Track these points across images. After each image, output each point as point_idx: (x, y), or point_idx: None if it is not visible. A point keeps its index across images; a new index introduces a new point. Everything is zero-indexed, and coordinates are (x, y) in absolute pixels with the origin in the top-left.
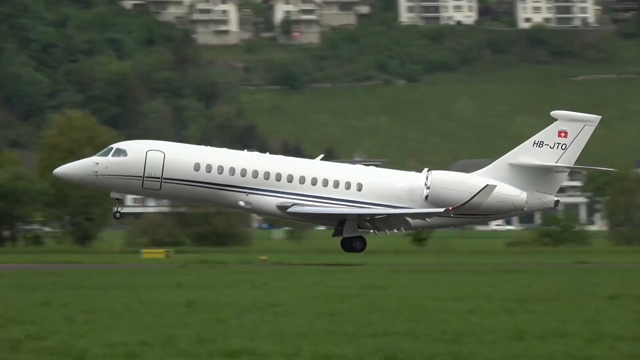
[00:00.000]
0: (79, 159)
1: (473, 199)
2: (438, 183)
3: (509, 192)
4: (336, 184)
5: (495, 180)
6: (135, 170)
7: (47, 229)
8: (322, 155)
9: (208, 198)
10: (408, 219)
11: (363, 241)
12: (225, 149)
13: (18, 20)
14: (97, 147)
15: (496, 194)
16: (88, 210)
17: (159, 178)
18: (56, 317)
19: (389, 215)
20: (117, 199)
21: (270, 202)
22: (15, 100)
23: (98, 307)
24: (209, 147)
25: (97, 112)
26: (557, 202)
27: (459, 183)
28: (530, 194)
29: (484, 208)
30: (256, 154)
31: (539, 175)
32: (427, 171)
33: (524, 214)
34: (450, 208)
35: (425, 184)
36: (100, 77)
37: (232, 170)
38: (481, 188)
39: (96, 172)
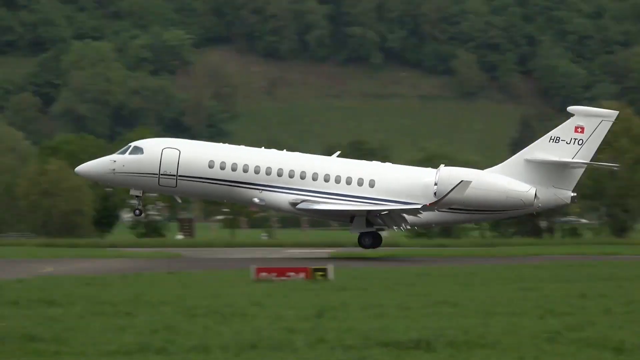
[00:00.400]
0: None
1: (449, 195)
2: (446, 179)
3: (517, 187)
4: (349, 181)
5: (505, 177)
6: (151, 168)
7: (583, 220)
8: (338, 152)
9: (223, 195)
10: (405, 215)
11: (373, 237)
12: (241, 146)
13: (555, 12)
14: (634, 138)
15: (504, 190)
16: (624, 201)
17: (175, 175)
18: (594, 308)
19: (369, 212)
20: (137, 196)
21: (284, 198)
22: (552, 92)
23: (636, 299)
24: (225, 144)
25: (634, 103)
26: (573, 197)
27: (474, 181)
28: (546, 189)
29: (491, 204)
30: (270, 150)
31: (555, 171)
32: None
33: (539, 210)
34: (428, 204)
35: (435, 180)
36: (636, 68)
37: (245, 168)
38: (456, 184)
39: (114, 169)
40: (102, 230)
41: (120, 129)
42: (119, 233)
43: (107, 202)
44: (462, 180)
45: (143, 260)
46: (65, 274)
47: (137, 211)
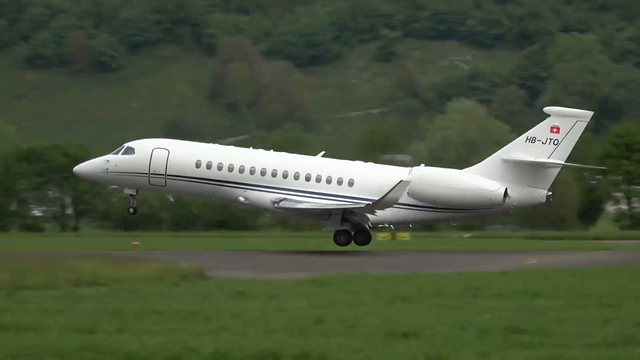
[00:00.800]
0: None
1: (388, 195)
2: (417, 178)
3: (487, 186)
4: (329, 180)
5: (476, 176)
6: (141, 168)
7: None
8: (323, 152)
9: (210, 194)
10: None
11: (346, 235)
12: (229, 147)
13: None
14: None
15: (473, 189)
16: None
17: (164, 175)
18: None
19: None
20: (131, 195)
21: (266, 197)
22: None
23: None
24: (214, 144)
25: None
26: (549, 196)
27: (439, 179)
28: (522, 189)
29: (461, 202)
30: (255, 150)
31: (530, 170)
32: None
33: (515, 209)
34: (371, 203)
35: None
36: None
37: (231, 167)
38: (395, 184)
39: (107, 169)
40: (587, 222)
41: (606, 122)
42: (604, 225)
43: (592, 194)
44: (401, 180)
45: (627, 252)
46: (549, 266)
47: (132, 209)
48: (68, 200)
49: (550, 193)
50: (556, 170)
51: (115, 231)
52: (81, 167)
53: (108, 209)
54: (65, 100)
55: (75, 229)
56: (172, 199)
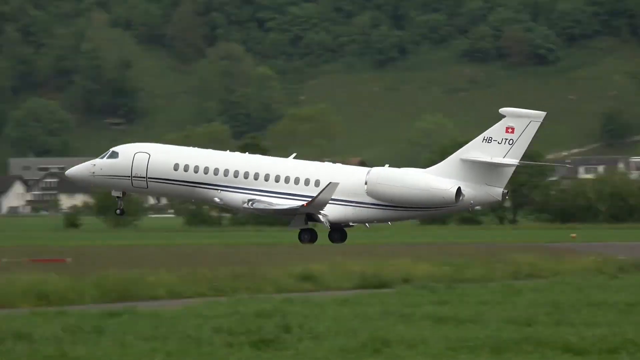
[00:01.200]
0: None
1: (318, 196)
2: (374, 178)
3: (439, 186)
4: (296, 181)
5: (430, 175)
6: (124, 171)
7: None
8: (294, 154)
9: (189, 195)
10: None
11: (309, 234)
12: (207, 150)
13: None
14: None
15: (426, 188)
16: None
17: (145, 177)
18: None
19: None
20: (117, 197)
21: (238, 198)
22: None
23: None
24: (193, 148)
25: None
26: (504, 194)
27: (394, 179)
28: (479, 187)
29: (414, 201)
30: (228, 153)
31: (487, 169)
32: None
33: (473, 207)
34: (305, 204)
35: (365, 180)
36: None
37: (206, 170)
38: (325, 185)
39: (93, 172)
40: None
41: None
42: None
43: None
44: (330, 182)
45: None
46: None
47: (119, 211)
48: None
49: (506, 191)
50: (512, 169)
51: (553, 223)
52: (71, 171)
53: (545, 201)
54: (501, 93)
55: (513, 221)
56: (157, 201)
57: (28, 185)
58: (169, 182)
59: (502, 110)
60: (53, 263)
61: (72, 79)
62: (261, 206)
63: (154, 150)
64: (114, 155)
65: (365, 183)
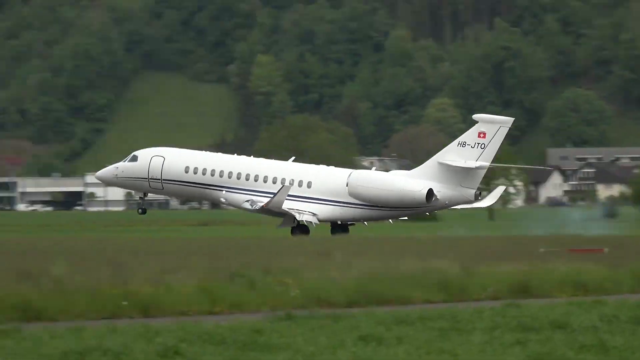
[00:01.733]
0: None
1: (273, 198)
2: (354, 181)
3: (411, 187)
4: (291, 183)
5: (404, 178)
6: (142, 173)
7: None
8: (293, 158)
9: (199, 196)
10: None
11: (300, 230)
12: (216, 154)
13: None
14: None
15: (398, 189)
16: None
17: (160, 179)
18: None
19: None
20: (140, 197)
21: (240, 198)
22: None
23: None
24: (205, 152)
25: None
26: (477, 194)
27: (371, 181)
28: (454, 188)
29: (389, 201)
30: (233, 156)
31: (461, 172)
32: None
33: (447, 207)
34: (264, 205)
35: (346, 182)
36: None
37: (212, 172)
38: (279, 188)
39: (116, 175)
40: None
41: None
42: None
43: None
44: (283, 185)
45: None
46: None
47: (140, 210)
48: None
49: (478, 192)
50: (483, 172)
51: None
52: (99, 173)
53: None
54: None
55: None
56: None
57: (566, 175)
58: (181, 184)
59: (476, 116)
60: (590, 253)
61: (610, 69)
62: (247, 206)
63: (169, 154)
64: (134, 158)
65: (347, 185)
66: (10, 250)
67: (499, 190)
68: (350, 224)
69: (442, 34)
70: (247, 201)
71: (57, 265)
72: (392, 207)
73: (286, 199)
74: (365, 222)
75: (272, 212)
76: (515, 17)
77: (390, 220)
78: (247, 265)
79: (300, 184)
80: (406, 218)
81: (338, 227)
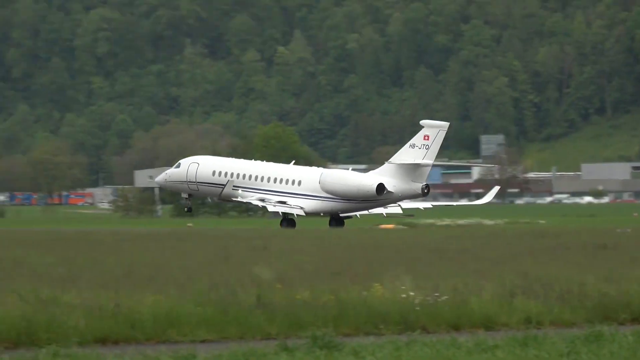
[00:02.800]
0: None
1: (223, 190)
2: (323, 178)
3: (365, 182)
4: (287, 182)
5: (361, 174)
6: (183, 177)
7: None
8: (294, 161)
9: (223, 195)
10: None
11: (287, 223)
12: (235, 159)
13: None
14: None
15: (355, 184)
16: None
17: (195, 182)
18: None
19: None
20: (185, 198)
21: (254, 196)
22: None
23: None
24: (231, 159)
25: None
26: (423, 188)
27: (336, 177)
28: (406, 183)
29: (349, 194)
30: (247, 161)
31: (411, 169)
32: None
33: (401, 199)
34: (219, 196)
35: (319, 179)
36: None
37: (231, 175)
38: (226, 182)
39: (166, 179)
40: None
41: None
42: None
43: None
44: (228, 180)
45: None
46: None
47: (187, 209)
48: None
49: (424, 185)
50: (428, 169)
51: None
52: (157, 178)
53: None
54: None
55: None
56: (210, 200)
57: None
58: (211, 185)
59: (422, 122)
60: None
61: None
62: (257, 202)
63: (203, 161)
64: (178, 165)
65: (319, 182)
66: None
67: (494, 190)
68: (346, 217)
69: None
70: (259, 198)
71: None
72: (358, 200)
73: (281, 195)
74: (358, 215)
75: (228, 199)
76: None
77: (357, 214)
78: None
79: (293, 182)
80: (384, 213)
81: (334, 220)
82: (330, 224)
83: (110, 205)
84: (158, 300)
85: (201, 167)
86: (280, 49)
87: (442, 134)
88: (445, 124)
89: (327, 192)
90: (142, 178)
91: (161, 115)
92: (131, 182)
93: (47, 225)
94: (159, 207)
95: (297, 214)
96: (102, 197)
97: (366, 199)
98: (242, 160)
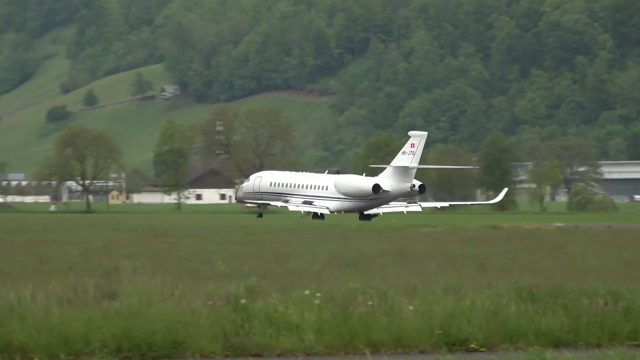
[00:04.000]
0: None
1: (237, 193)
2: (338, 181)
3: (363, 184)
4: (320, 187)
5: (362, 177)
6: (251, 189)
7: None
8: (327, 170)
9: (276, 200)
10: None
11: (316, 217)
12: (291, 172)
13: None
14: None
15: (355, 186)
16: None
17: (259, 192)
18: None
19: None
20: (257, 205)
21: (298, 201)
22: None
23: None
24: (286, 172)
25: None
26: (411, 187)
27: (344, 182)
28: (399, 182)
29: (358, 194)
30: (291, 172)
31: (402, 171)
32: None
33: (395, 197)
34: (236, 198)
35: (334, 184)
36: None
37: (280, 185)
38: (237, 187)
39: (242, 192)
40: None
41: None
42: None
43: None
44: (238, 186)
45: None
46: None
47: (258, 215)
48: (412, 185)
49: (412, 184)
50: (414, 170)
51: None
52: (237, 193)
53: None
54: None
55: None
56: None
57: None
58: (269, 194)
59: (410, 133)
60: None
61: None
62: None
63: (264, 175)
64: (249, 179)
65: (334, 185)
66: None
67: (504, 191)
68: (374, 215)
69: None
70: (300, 205)
71: None
72: (363, 199)
73: (314, 197)
74: (380, 213)
75: (243, 201)
76: None
77: (379, 212)
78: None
79: (322, 187)
80: (379, 212)
81: (363, 216)
82: (360, 219)
83: None
84: None
85: (263, 180)
86: None
87: (422, 142)
88: (424, 133)
89: (341, 193)
90: None
91: None
92: None
93: None
94: None
95: (322, 212)
96: None
97: (367, 197)
98: (293, 172)
